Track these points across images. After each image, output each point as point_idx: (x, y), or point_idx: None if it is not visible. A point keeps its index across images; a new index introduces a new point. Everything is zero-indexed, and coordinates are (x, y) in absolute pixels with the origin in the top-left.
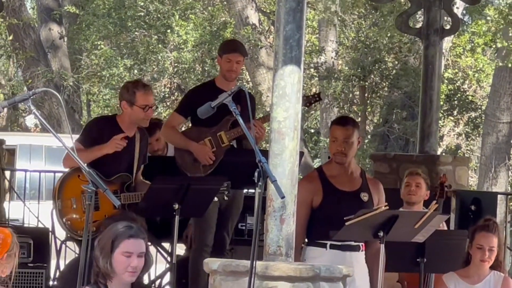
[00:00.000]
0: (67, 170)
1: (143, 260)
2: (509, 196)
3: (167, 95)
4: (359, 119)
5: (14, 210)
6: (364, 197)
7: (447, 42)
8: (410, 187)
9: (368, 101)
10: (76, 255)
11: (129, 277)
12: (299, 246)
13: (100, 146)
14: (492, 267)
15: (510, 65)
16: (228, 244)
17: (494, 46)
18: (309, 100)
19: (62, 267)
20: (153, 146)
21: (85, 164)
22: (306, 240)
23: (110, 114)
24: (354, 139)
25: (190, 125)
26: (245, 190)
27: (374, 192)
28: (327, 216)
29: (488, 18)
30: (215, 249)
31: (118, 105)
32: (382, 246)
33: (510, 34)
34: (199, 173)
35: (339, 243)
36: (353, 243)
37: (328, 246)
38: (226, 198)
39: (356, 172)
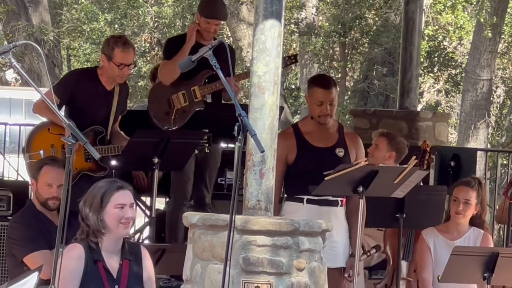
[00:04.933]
0: (39, 123)
1: (134, 211)
2: (489, 153)
3: (147, 50)
4: (339, 75)
5: None
6: (340, 152)
7: None
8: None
9: (348, 57)
10: None
11: (124, 229)
12: (277, 201)
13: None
14: (474, 225)
15: (482, 20)
16: (209, 199)
17: (474, 3)
18: (285, 61)
19: None
20: None
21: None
22: (285, 195)
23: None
24: (336, 99)
25: None
26: (225, 145)
27: (351, 147)
28: (302, 172)
29: None
30: (196, 204)
31: (98, 59)
32: (362, 201)
33: None
34: (169, 125)
35: (316, 198)
36: (330, 198)
37: (305, 200)
38: (207, 150)
39: (333, 128)
